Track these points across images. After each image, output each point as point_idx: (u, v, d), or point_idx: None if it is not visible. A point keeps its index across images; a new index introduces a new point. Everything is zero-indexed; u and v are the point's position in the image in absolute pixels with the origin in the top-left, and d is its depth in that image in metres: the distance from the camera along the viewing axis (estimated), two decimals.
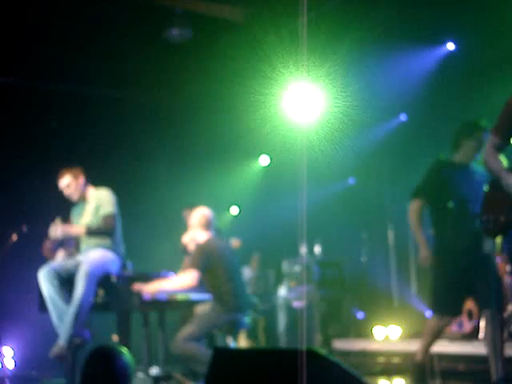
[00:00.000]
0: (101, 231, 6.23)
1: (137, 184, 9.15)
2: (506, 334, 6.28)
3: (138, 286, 6.02)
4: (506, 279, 6.45)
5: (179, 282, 6.14)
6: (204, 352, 5.84)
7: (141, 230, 8.65)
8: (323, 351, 3.05)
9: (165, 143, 9.56)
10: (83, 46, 7.84)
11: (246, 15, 7.62)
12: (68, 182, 6.31)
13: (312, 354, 2.97)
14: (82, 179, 6.34)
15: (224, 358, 3.49)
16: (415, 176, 9.28)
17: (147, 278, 6.27)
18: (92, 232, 6.20)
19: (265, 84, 9.08)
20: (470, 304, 6.69)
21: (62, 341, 5.90)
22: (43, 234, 6.82)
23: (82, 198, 6.39)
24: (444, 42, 8.58)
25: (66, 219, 6.36)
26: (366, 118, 9.37)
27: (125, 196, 6.77)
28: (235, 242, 8.03)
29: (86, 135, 8.85)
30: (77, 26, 7.44)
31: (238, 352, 4.10)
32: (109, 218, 6.22)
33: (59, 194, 6.43)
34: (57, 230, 6.09)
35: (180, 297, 6.27)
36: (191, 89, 9.46)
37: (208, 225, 6.44)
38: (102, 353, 3.44)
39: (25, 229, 7.52)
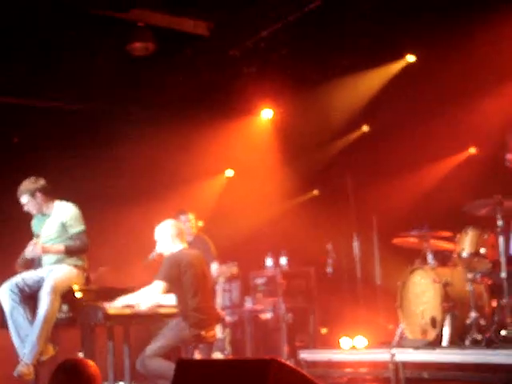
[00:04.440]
0: (79, 250, 6.21)
1: (104, 199, 9.07)
2: (467, 341, 6.37)
3: (103, 305, 5.98)
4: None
5: (144, 293, 6.12)
6: (168, 367, 5.79)
7: (111, 246, 8.60)
8: (287, 361, 3.06)
9: (130, 157, 9.50)
10: (44, 61, 7.78)
11: (210, 28, 7.64)
12: (26, 201, 6.26)
13: (275, 364, 2.98)
14: (39, 196, 6.26)
15: (187, 370, 3.48)
16: (377, 188, 9.49)
17: (111, 292, 6.24)
18: (71, 251, 6.16)
19: (231, 97, 9.17)
20: (434, 311, 6.76)
21: (27, 359, 5.83)
22: (6, 249, 6.75)
23: (43, 211, 6.33)
24: (403, 55, 8.66)
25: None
26: (329, 130, 9.52)
27: (92, 211, 6.70)
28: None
29: (49, 149, 8.76)
30: (38, 41, 7.38)
31: (202, 363, 4.09)
32: (82, 236, 6.21)
33: (21, 209, 6.37)
34: (36, 248, 6.02)
35: (146, 310, 6.21)
36: (155, 102, 9.47)
37: (180, 235, 6.42)
38: (67, 366, 3.40)
39: None
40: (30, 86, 8.32)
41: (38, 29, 7.20)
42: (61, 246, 6.15)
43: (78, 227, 6.21)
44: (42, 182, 6.29)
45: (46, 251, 6.12)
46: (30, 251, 6.05)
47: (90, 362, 3.40)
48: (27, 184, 6.25)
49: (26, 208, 6.31)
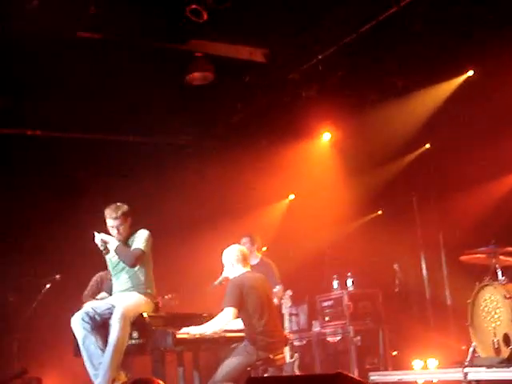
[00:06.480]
0: (125, 257, 6.21)
1: (170, 227, 9.19)
2: None
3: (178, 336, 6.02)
4: None
5: (218, 321, 6.14)
6: None
7: (178, 273, 8.71)
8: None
9: (194, 185, 9.62)
10: (107, 95, 7.99)
11: (267, 54, 7.74)
12: (117, 224, 6.27)
13: (342, 378, 2.98)
14: (129, 221, 6.32)
15: None
16: (443, 205, 9.36)
17: (180, 317, 6.31)
18: (119, 252, 6.21)
19: (291, 121, 9.23)
20: (506, 328, 6.60)
21: None
22: (76, 282, 6.89)
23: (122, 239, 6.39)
24: (463, 71, 8.57)
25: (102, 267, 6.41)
26: (390, 149, 9.46)
27: (157, 239, 6.79)
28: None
29: (116, 183, 8.95)
30: (99, 76, 7.58)
31: (271, 380, 4.10)
32: (137, 253, 6.22)
33: (91, 242, 6.49)
34: (97, 238, 6.18)
35: (215, 335, 6.23)
36: (217, 131, 9.61)
37: (243, 260, 6.47)
38: None
39: (58, 277, 7.64)
40: (93, 120, 8.55)
41: (96, 64, 7.40)
42: (116, 242, 6.22)
43: (138, 244, 6.25)
44: (129, 207, 6.37)
45: (104, 240, 6.20)
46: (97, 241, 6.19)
47: (161, 382, 3.43)
48: (121, 208, 6.29)
49: (114, 231, 6.28)
